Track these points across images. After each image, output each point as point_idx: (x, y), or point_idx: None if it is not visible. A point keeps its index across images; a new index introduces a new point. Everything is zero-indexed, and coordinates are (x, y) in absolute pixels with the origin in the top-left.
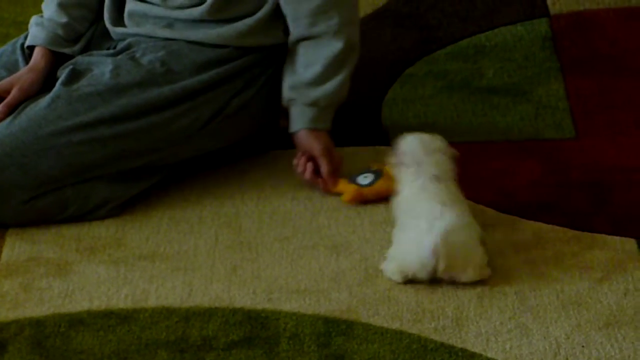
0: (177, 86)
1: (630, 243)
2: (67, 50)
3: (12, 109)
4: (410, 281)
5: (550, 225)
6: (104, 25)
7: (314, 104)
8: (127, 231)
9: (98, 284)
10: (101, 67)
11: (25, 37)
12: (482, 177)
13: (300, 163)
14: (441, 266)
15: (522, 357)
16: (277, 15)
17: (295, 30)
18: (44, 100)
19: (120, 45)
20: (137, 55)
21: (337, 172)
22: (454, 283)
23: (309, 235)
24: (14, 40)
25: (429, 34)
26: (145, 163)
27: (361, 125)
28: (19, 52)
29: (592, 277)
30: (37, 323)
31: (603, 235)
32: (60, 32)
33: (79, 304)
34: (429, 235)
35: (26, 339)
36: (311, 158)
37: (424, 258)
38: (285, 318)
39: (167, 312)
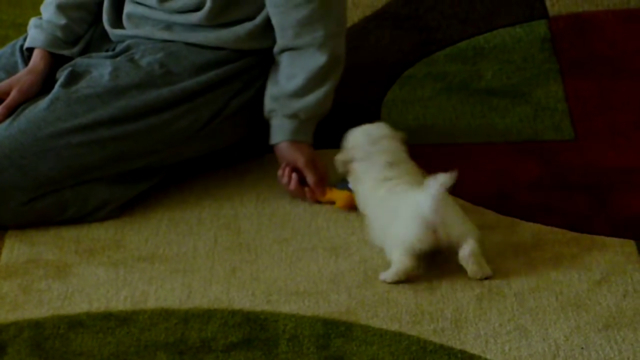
0: (176, 88)
1: (629, 245)
2: (66, 52)
3: (11, 111)
4: (409, 282)
5: (549, 227)
6: (103, 27)
7: (294, 116)
8: (126, 233)
9: (97, 285)
10: (100, 69)
11: (25, 39)
12: (481, 179)
13: (285, 174)
14: (438, 220)
15: (521, 358)
16: None
17: (281, 40)
18: (43, 102)
19: (119, 47)
20: (136, 57)
21: (323, 181)
22: (452, 286)
23: (308, 237)
24: (13, 42)
25: (428, 35)
26: (144, 165)
27: None
28: (18, 54)
29: (591, 279)
30: (37, 325)
31: (602, 237)
32: (59, 34)
33: (78, 306)
34: (417, 207)
35: (25, 340)
36: (295, 169)
37: (422, 219)
38: (285, 320)
39: (166, 314)
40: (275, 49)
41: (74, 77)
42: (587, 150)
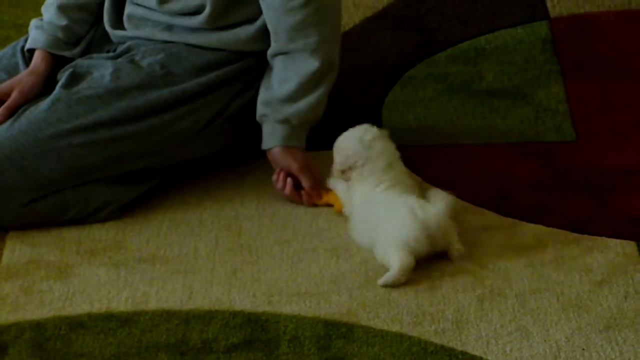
0: (177, 89)
1: (630, 246)
2: (67, 53)
3: (12, 112)
4: (410, 284)
5: (550, 228)
6: (104, 28)
7: (286, 121)
8: (128, 234)
9: (98, 286)
10: (101, 70)
11: (26, 40)
12: (482, 180)
13: (279, 179)
14: (439, 234)
15: (522, 359)
16: None
17: (275, 44)
18: (44, 103)
19: (120, 48)
20: (137, 58)
21: (318, 185)
22: (453, 287)
23: (309, 238)
24: (14, 43)
25: (430, 36)
26: (145, 165)
27: None
28: (19, 55)
29: (593, 280)
30: (38, 326)
31: (603, 238)
32: (60, 35)
33: (80, 307)
34: (415, 218)
35: (26, 341)
36: (290, 174)
37: (422, 226)
38: (286, 321)
39: (167, 315)
40: (269, 53)
41: (75, 78)
42: (588, 151)
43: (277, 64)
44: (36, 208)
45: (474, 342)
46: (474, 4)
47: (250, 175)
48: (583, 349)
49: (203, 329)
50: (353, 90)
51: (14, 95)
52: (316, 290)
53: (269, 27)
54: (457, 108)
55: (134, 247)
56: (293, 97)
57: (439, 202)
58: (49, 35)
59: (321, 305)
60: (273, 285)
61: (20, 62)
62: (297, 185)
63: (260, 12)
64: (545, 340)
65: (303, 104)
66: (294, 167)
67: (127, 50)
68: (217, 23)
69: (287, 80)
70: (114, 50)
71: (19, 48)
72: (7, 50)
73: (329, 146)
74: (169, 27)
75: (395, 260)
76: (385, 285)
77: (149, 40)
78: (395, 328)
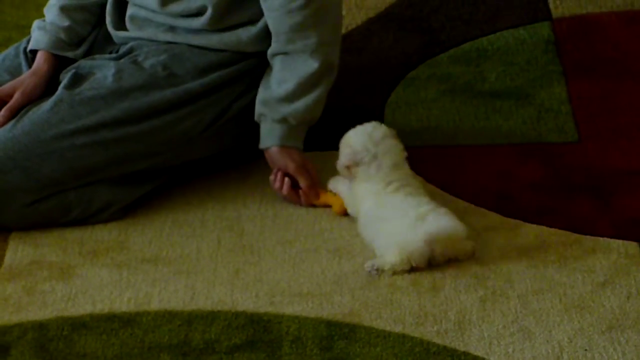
0: (179, 89)
1: (633, 247)
2: (69, 54)
3: (15, 113)
4: (412, 284)
5: (552, 229)
6: (106, 29)
7: (283, 120)
8: (130, 234)
9: (101, 287)
10: (104, 71)
11: (28, 41)
12: (484, 181)
13: (277, 179)
14: (437, 251)
15: None
16: None
17: (275, 44)
18: (47, 104)
19: (122, 49)
20: (140, 59)
21: (316, 185)
22: (455, 288)
23: (311, 239)
24: (17, 44)
25: (432, 37)
26: (147, 166)
27: None
28: (22, 56)
29: (595, 280)
30: (40, 326)
31: (606, 238)
32: (62, 36)
33: (82, 308)
34: (421, 227)
35: (29, 342)
36: (287, 174)
37: (420, 246)
38: (288, 321)
39: (169, 316)
40: (269, 52)
41: (77, 79)
42: (591, 152)
43: (277, 64)
44: (39, 209)
45: (477, 342)
46: (476, 5)
47: (252, 175)
48: (585, 350)
49: (205, 330)
50: (355, 91)
51: (17, 96)
52: (318, 291)
53: (270, 28)
54: (460, 109)
55: (137, 247)
56: (290, 97)
57: (450, 217)
58: (52, 36)
59: (323, 306)
60: (275, 286)
61: (23, 63)
62: (294, 185)
63: (262, 14)
64: (547, 341)
65: (300, 104)
66: (291, 167)
67: (129, 51)
68: (218, 24)
69: (286, 80)
70: (117, 51)
71: (21, 49)
72: (10, 51)
73: (332, 146)
74: (172, 28)
75: (390, 261)
76: (371, 268)
77: (152, 41)
78: (398, 329)
